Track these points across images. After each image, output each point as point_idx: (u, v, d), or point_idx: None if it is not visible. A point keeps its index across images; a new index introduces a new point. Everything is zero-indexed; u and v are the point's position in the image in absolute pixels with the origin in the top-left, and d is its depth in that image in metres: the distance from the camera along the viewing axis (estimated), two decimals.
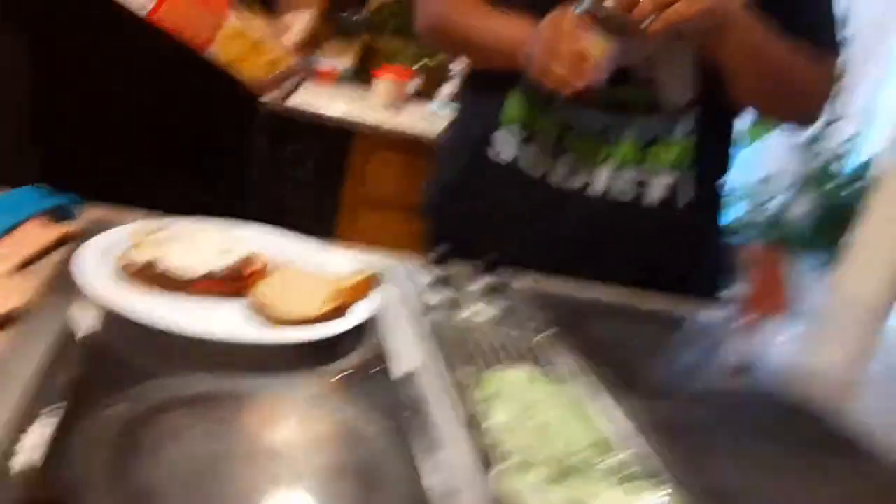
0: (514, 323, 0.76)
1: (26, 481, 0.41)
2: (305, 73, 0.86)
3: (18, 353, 0.51)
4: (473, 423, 0.53)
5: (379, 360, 0.64)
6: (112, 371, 0.54)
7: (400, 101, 2.17)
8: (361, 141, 2.00)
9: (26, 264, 0.65)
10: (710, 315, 1.00)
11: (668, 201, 1.00)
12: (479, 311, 0.77)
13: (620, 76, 0.93)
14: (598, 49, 0.84)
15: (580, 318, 0.85)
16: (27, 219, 0.70)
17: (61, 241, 0.70)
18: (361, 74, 2.42)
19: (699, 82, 0.97)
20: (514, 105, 1.01)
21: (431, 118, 2.21)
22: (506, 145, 1.03)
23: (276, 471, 0.48)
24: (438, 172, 1.20)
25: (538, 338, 0.74)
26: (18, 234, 0.67)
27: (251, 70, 0.83)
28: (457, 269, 0.87)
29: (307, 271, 0.73)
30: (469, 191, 1.09)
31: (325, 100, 2.05)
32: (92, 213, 0.79)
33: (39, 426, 0.45)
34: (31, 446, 0.43)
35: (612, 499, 0.46)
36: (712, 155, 1.02)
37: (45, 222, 0.71)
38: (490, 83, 1.04)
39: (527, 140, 1.01)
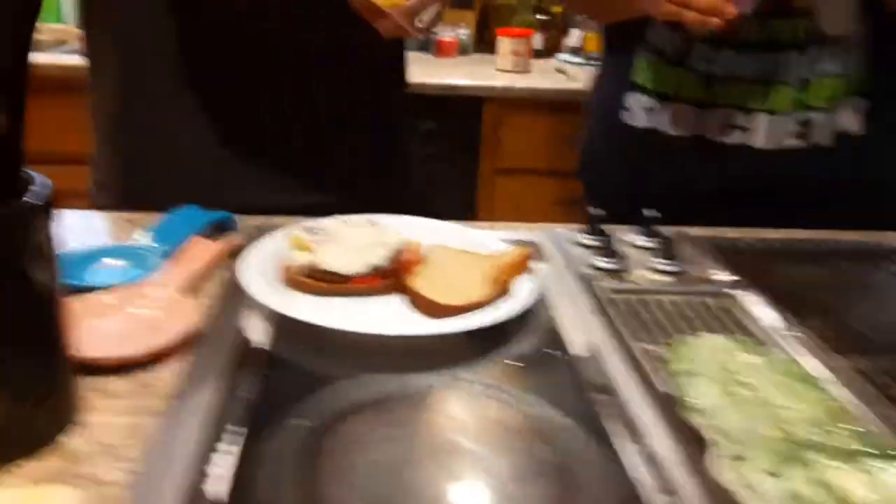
0: (692, 283, 0.69)
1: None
2: (441, 3, 0.78)
3: (199, 374, 0.52)
4: (674, 404, 0.47)
5: (554, 339, 0.60)
6: (290, 381, 0.54)
7: (525, 60, 2.09)
8: (491, 107, 1.95)
9: (196, 282, 0.66)
10: None
11: (839, 138, 0.89)
12: (650, 275, 0.70)
13: (770, 6, 0.83)
14: None
15: (766, 265, 0.76)
16: (190, 237, 0.72)
17: (226, 256, 0.71)
18: (482, 40, 2.36)
19: (861, 5, 0.84)
20: (643, 65, 0.93)
21: (558, 74, 2.12)
22: (639, 111, 0.95)
23: (463, 471, 0.45)
24: (586, 135, 1.14)
25: (725, 295, 0.67)
26: (184, 253, 0.69)
27: None
28: (617, 231, 0.81)
29: (460, 253, 0.70)
30: (613, 156, 1.03)
31: (449, 70, 2.02)
32: (250, 222, 0.80)
33: (226, 446, 0.45)
34: (220, 468, 0.43)
35: (861, 478, 0.39)
36: (887, 83, 0.89)
37: (207, 239, 0.73)
38: (619, 39, 0.96)
39: (664, 101, 0.93)
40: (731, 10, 0.76)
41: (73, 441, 0.45)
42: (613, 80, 1.02)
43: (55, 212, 0.42)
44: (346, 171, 0.93)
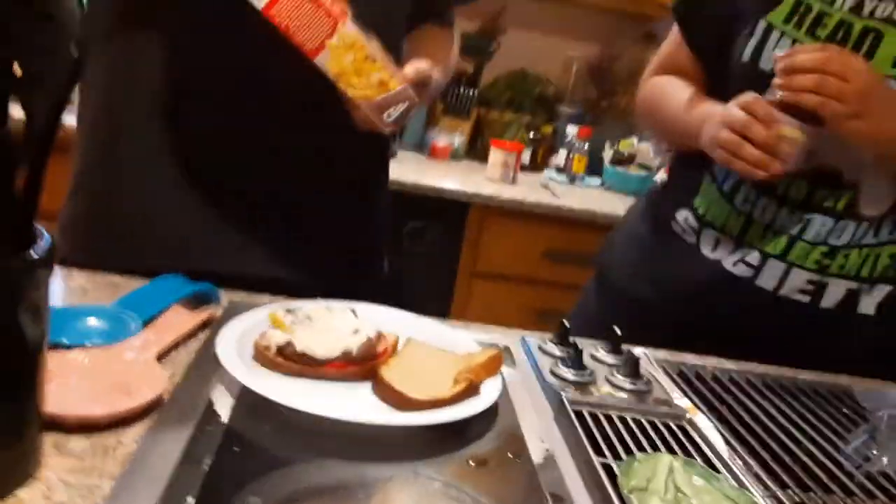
0: (652, 403, 0.71)
1: None
2: (412, 102, 0.79)
3: (160, 441, 0.52)
4: None
5: (515, 443, 0.61)
6: (249, 458, 0.54)
7: (513, 173, 2.18)
8: (476, 213, 2.02)
9: (170, 350, 0.67)
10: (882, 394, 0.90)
11: (847, 306, 0.94)
12: (614, 391, 0.72)
13: (818, 173, 0.90)
14: (794, 134, 0.83)
15: (726, 394, 0.79)
16: (170, 306, 0.74)
17: (203, 326, 0.73)
18: (475, 148, 2.46)
19: None
20: (703, 190, 1.01)
21: (543, 189, 2.20)
22: (688, 227, 1.02)
23: None
24: (624, 221, 1.22)
25: (685, 417, 0.69)
26: (163, 319, 0.70)
27: (360, 87, 0.76)
28: (586, 345, 0.83)
29: (433, 349, 0.72)
30: (643, 247, 1.10)
31: (440, 175, 2.09)
32: (232, 297, 0.82)
33: None
34: None
35: None
36: None
37: (188, 308, 0.74)
38: (689, 162, 1.03)
39: (708, 228, 1.00)
40: (777, 167, 0.83)
41: (29, 495, 0.45)
42: (677, 186, 1.09)
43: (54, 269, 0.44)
44: (323, 254, 0.95)
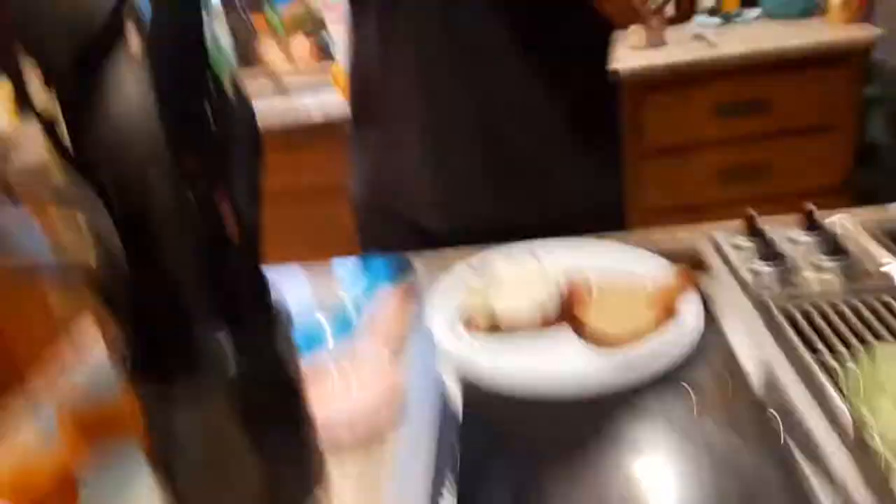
0: (863, 279, 0.68)
1: None
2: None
3: (412, 445, 0.59)
4: (857, 427, 0.49)
5: (726, 358, 0.63)
6: (487, 445, 0.60)
7: (661, 32, 2.04)
8: (632, 90, 1.93)
9: (395, 335, 0.75)
10: None
11: None
12: (818, 274, 0.70)
13: None
14: None
15: None
16: (376, 287, 0.82)
17: (410, 300, 0.80)
18: None
19: None
20: None
21: (697, 39, 2.04)
22: None
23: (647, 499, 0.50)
24: None
25: None
26: (377, 307, 0.78)
27: None
28: (776, 228, 0.80)
29: (622, 285, 0.74)
30: None
31: None
32: (425, 261, 0.88)
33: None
34: None
35: None
36: None
37: (392, 288, 0.82)
38: None
39: None
40: None
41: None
42: None
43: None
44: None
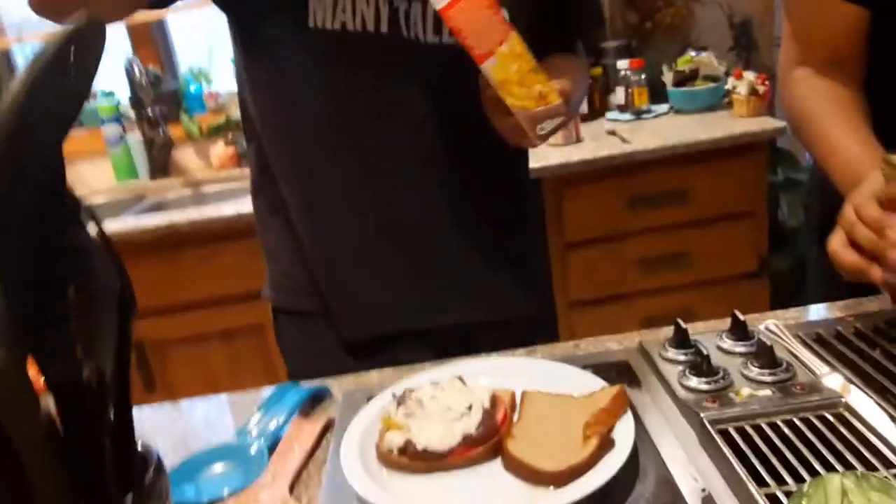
0: (801, 389, 0.66)
1: None
2: (567, 118, 0.80)
3: None
4: None
5: (666, 488, 0.58)
6: None
7: (575, 132, 2.09)
8: (550, 185, 1.95)
9: (300, 472, 0.68)
10: None
11: None
12: (755, 387, 0.67)
13: None
14: None
15: (874, 351, 0.72)
16: (289, 418, 0.74)
17: (323, 432, 0.73)
18: None
19: None
20: None
21: (611, 135, 2.11)
22: None
23: None
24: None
25: (841, 403, 0.63)
26: (285, 441, 0.71)
27: (520, 97, 0.75)
28: (707, 337, 0.78)
29: (553, 399, 0.69)
30: None
31: None
32: (343, 386, 0.82)
33: None
34: None
35: None
36: None
37: (305, 417, 0.75)
38: None
39: None
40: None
41: None
42: None
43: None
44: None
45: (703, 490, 0.57)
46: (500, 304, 0.96)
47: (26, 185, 0.33)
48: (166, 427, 0.81)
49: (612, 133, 2.12)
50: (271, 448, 0.70)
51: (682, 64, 2.30)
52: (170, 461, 0.68)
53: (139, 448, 0.45)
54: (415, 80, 0.86)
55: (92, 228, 0.38)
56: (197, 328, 1.88)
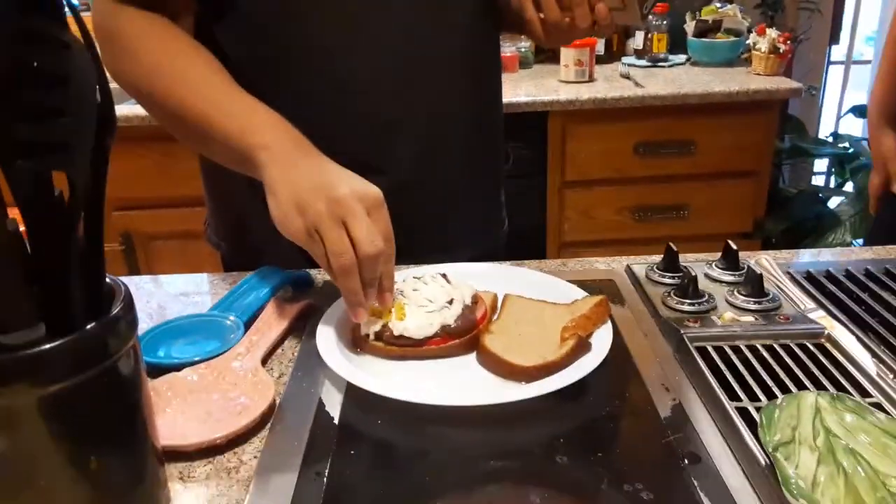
0: (784, 319, 0.65)
1: None
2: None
3: (278, 456, 0.52)
4: (774, 478, 0.44)
5: (637, 395, 0.58)
6: (364, 461, 0.53)
7: (589, 69, 2.05)
8: (557, 121, 1.92)
9: (275, 349, 0.67)
10: None
11: None
12: (739, 313, 0.67)
13: None
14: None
15: (865, 293, 0.71)
16: (269, 298, 0.73)
17: (302, 315, 0.72)
18: (543, 51, 2.33)
19: None
20: None
21: (624, 78, 2.06)
22: None
23: None
24: None
25: (823, 335, 0.63)
26: (263, 317, 0.70)
27: None
28: (697, 263, 0.77)
29: (534, 304, 0.69)
30: None
31: (511, 88, 1.99)
32: (325, 276, 0.81)
33: None
34: None
35: None
36: None
37: (285, 300, 0.74)
38: None
39: None
40: None
41: None
42: None
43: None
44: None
45: (675, 399, 0.56)
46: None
47: None
48: (142, 298, 0.80)
49: (626, 77, 2.08)
50: (248, 323, 0.70)
51: (707, 14, 2.23)
52: (145, 327, 0.68)
53: (108, 280, 0.44)
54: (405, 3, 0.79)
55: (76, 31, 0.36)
56: (186, 224, 1.86)
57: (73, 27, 0.36)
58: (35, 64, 0.33)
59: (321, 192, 0.60)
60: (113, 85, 0.37)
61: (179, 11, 0.76)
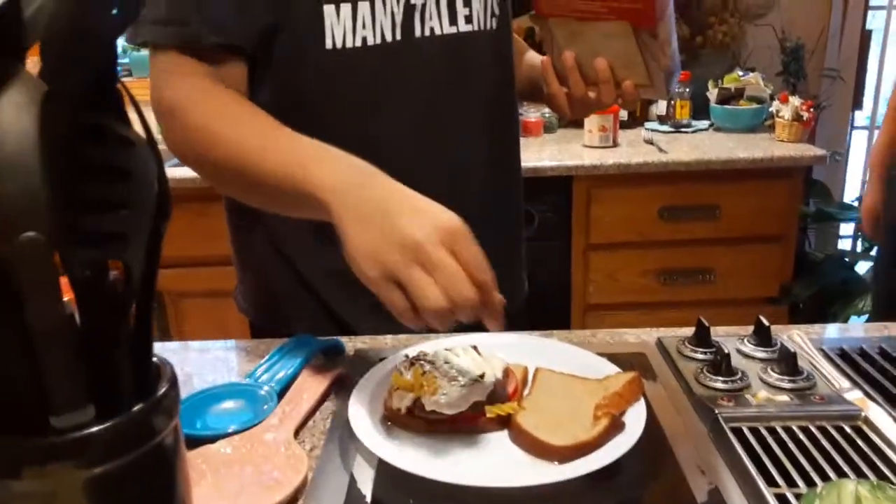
0: (820, 400, 0.64)
1: None
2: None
3: None
4: None
5: (673, 479, 0.57)
6: None
7: (613, 135, 2.08)
8: (582, 185, 1.94)
9: (307, 419, 0.67)
10: None
11: None
12: (773, 392, 0.66)
13: None
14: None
15: None
16: (301, 367, 0.74)
17: (334, 384, 0.73)
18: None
19: None
20: None
21: (648, 144, 2.09)
22: None
23: None
24: None
25: (859, 417, 0.62)
26: (295, 387, 0.71)
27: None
28: (728, 339, 0.77)
29: (566, 378, 0.68)
30: None
31: (536, 152, 2.03)
32: (357, 344, 0.81)
33: None
34: None
35: None
36: None
37: (317, 369, 0.74)
38: None
39: None
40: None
41: None
42: None
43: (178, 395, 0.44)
44: None
45: (710, 483, 0.56)
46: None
47: (79, 67, 0.33)
48: (175, 365, 0.81)
49: (650, 142, 2.10)
50: (280, 393, 0.70)
51: (729, 82, 2.27)
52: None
53: (155, 360, 0.45)
54: (428, 75, 0.82)
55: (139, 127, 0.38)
56: (216, 283, 1.88)
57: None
58: (100, 161, 0.35)
59: (393, 239, 0.57)
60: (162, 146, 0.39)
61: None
